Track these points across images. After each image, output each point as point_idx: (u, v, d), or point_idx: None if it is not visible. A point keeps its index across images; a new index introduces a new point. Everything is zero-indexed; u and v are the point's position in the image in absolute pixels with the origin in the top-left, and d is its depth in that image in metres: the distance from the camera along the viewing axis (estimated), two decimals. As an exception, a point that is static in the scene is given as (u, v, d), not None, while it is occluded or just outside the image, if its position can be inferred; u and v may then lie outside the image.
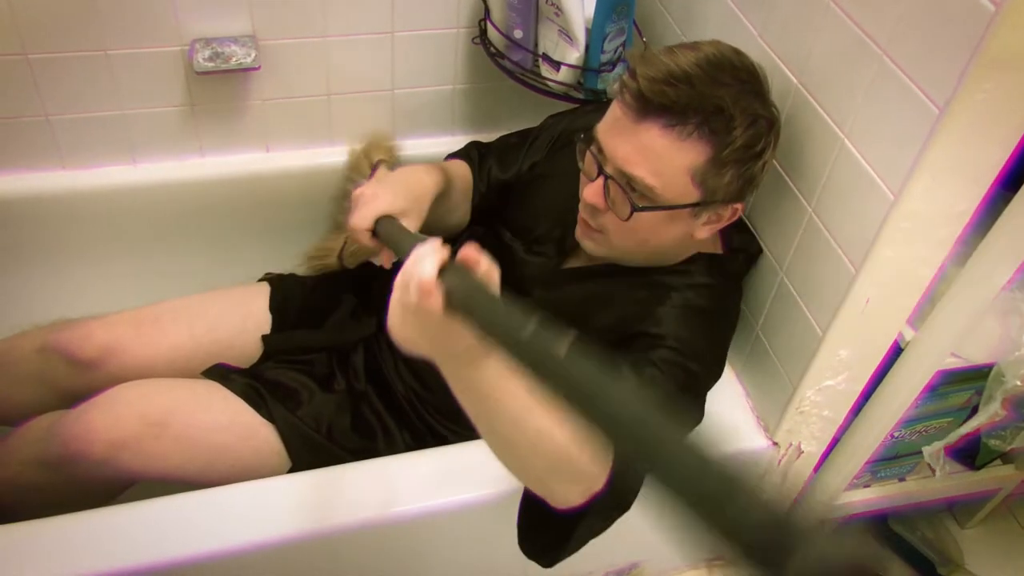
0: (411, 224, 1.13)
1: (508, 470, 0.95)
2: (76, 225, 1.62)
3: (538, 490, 0.95)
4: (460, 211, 1.38)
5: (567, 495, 0.93)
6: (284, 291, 1.44)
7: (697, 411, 1.14)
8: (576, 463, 0.90)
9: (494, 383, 0.83)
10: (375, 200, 1.11)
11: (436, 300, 0.74)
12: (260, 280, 1.50)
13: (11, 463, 1.24)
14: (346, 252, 1.43)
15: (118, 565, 1.08)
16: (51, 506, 1.16)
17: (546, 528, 1.01)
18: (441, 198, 1.24)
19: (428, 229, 1.36)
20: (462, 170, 1.38)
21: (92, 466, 1.15)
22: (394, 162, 1.59)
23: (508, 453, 0.93)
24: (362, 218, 1.10)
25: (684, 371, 1.09)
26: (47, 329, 1.34)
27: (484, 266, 0.77)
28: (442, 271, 0.76)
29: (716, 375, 1.17)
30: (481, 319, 0.73)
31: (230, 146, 1.65)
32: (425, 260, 0.76)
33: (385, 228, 1.11)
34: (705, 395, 1.15)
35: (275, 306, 1.42)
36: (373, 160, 1.58)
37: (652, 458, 0.58)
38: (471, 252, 0.77)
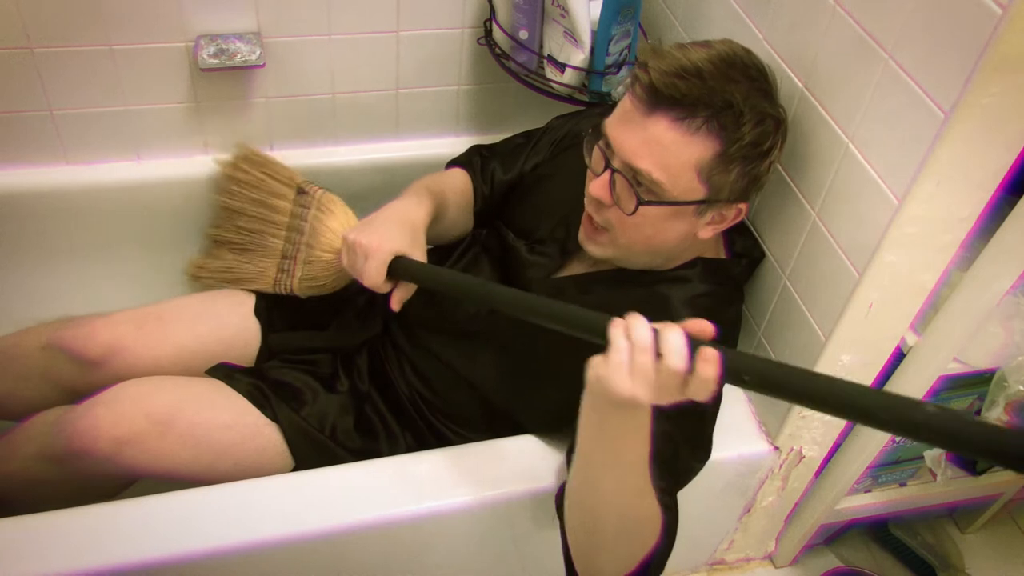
0: (418, 256, 1.18)
1: (574, 526, 0.99)
2: (79, 221, 1.62)
3: (589, 557, 0.98)
4: (460, 224, 1.39)
5: (612, 568, 0.96)
6: (267, 298, 1.44)
7: (708, 450, 1.16)
8: (637, 542, 0.95)
9: (642, 439, 0.87)
10: (377, 249, 1.14)
11: (712, 371, 0.78)
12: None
13: (15, 458, 1.24)
14: (298, 281, 1.39)
15: (119, 561, 1.08)
16: (54, 502, 1.16)
17: None
18: (436, 222, 1.26)
19: (431, 246, 1.36)
20: (459, 183, 1.39)
21: (96, 462, 1.15)
22: (300, 178, 1.49)
23: (597, 507, 0.95)
24: (376, 272, 1.14)
25: (696, 415, 1.10)
26: (51, 326, 1.34)
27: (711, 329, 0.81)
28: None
29: (720, 397, 1.18)
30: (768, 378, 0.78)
31: (234, 143, 1.64)
32: (673, 335, 0.79)
33: (408, 274, 1.15)
34: (714, 425, 1.16)
35: (260, 312, 1.42)
36: (265, 165, 1.51)
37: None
38: (703, 324, 0.82)
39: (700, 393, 0.79)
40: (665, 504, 1.00)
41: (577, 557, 1.00)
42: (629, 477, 0.90)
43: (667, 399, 0.81)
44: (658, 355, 0.79)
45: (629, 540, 0.94)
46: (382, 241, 1.15)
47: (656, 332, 0.81)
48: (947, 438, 0.69)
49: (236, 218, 1.50)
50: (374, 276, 1.15)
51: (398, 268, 1.15)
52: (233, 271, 1.48)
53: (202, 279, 1.52)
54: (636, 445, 0.87)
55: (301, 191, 1.43)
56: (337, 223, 1.34)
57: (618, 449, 0.87)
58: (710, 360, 0.77)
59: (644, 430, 0.86)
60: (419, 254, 1.19)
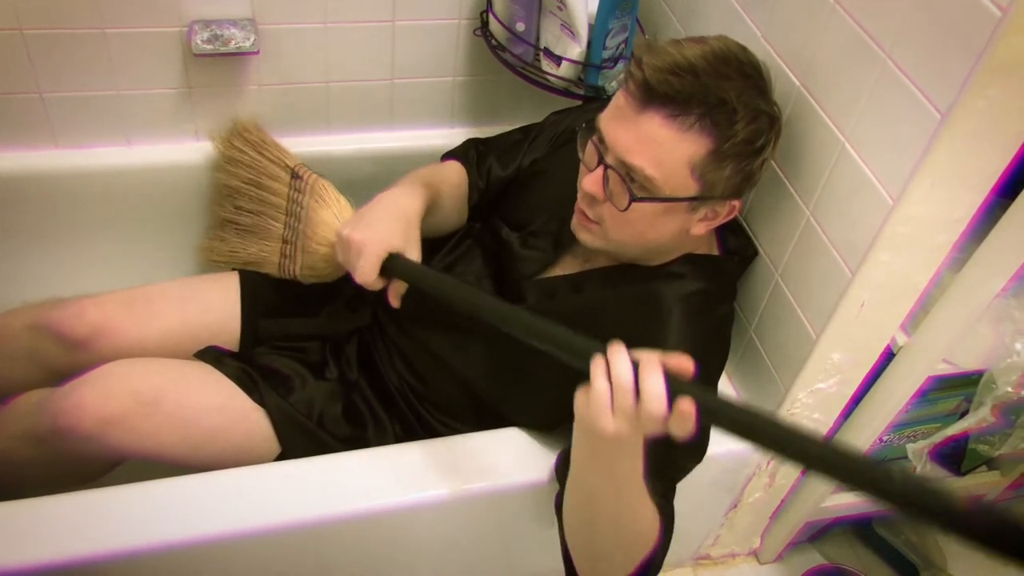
0: (412, 253, 1.16)
1: (574, 537, 1.02)
2: (68, 205, 1.61)
3: (589, 562, 1.02)
4: (454, 218, 1.38)
5: (612, 571, 0.99)
6: (254, 283, 1.43)
7: (703, 450, 1.16)
8: (635, 550, 0.97)
9: (635, 459, 0.89)
10: (371, 246, 1.13)
11: (689, 422, 0.79)
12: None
13: (-1, 438, 1.23)
14: (303, 267, 1.38)
15: (102, 548, 1.07)
16: (38, 483, 1.16)
17: None
18: (429, 214, 1.25)
19: (424, 237, 1.35)
20: (454, 176, 1.38)
21: (81, 441, 1.14)
22: (294, 160, 1.49)
23: (595, 522, 0.97)
24: (370, 269, 1.13)
25: None
26: (38, 307, 1.33)
27: (687, 362, 0.82)
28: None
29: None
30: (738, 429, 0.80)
31: (230, 120, 1.63)
32: (653, 378, 0.80)
33: (401, 273, 1.14)
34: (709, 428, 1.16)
35: (246, 296, 1.41)
36: (260, 145, 1.51)
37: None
38: (680, 360, 0.82)
39: (679, 433, 0.81)
40: (661, 508, 1.02)
41: (578, 562, 1.03)
42: (624, 494, 0.92)
43: (650, 433, 0.83)
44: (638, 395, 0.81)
45: (628, 547, 0.97)
46: (376, 238, 1.14)
47: (636, 369, 0.81)
48: (910, 506, 0.71)
49: (235, 198, 1.50)
50: (368, 274, 1.13)
51: (392, 266, 1.14)
52: (239, 254, 1.48)
53: (215, 262, 1.53)
54: (629, 465, 0.89)
55: (295, 175, 1.43)
56: (330, 214, 1.33)
57: (612, 472, 0.90)
58: (686, 415, 0.79)
59: (636, 452, 0.88)
60: (413, 249, 1.17)
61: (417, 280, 1.14)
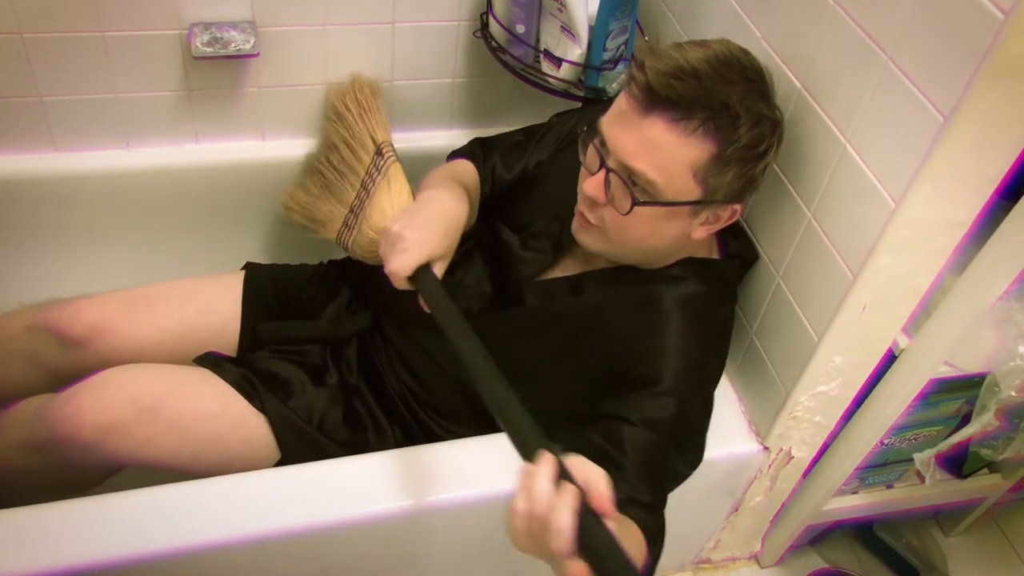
0: (444, 263, 1.15)
1: None
2: (67, 208, 1.61)
3: None
4: (472, 218, 1.37)
5: None
6: (256, 286, 1.43)
7: (698, 454, 1.15)
8: None
9: None
10: (417, 248, 1.11)
11: (572, 556, 0.73)
12: (243, 268, 1.49)
13: (-2, 445, 1.22)
14: (355, 244, 1.38)
15: (103, 555, 1.07)
16: (37, 490, 1.15)
17: None
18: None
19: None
20: (472, 176, 1.37)
21: (80, 450, 1.14)
22: (382, 137, 1.50)
23: None
24: (406, 266, 1.10)
25: (684, 420, 1.10)
26: (36, 308, 1.33)
27: (609, 504, 0.76)
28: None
29: (712, 400, 1.18)
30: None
31: (225, 133, 1.63)
32: (563, 509, 0.73)
33: (427, 288, 1.11)
34: (707, 429, 1.16)
35: (247, 298, 1.41)
36: (366, 109, 1.52)
37: None
38: (603, 500, 0.75)
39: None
40: (645, 522, 0.99)
41: None
42: None
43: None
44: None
45: None
46: (424, 241, 1.12)
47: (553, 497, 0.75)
48: None
49: (330, 151, 1.54)
50: (402, 273, 1.11)
51: (420, 275, 1.12)
52: (310, 209, 1.51)
53: (290, 211, 1.56)
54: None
55: (379, 152, 1.44)
56: (388, 203, 1.33)
57: None
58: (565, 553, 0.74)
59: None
60: (448, 257, 1.16)
61: (432, 302, 1.10)
